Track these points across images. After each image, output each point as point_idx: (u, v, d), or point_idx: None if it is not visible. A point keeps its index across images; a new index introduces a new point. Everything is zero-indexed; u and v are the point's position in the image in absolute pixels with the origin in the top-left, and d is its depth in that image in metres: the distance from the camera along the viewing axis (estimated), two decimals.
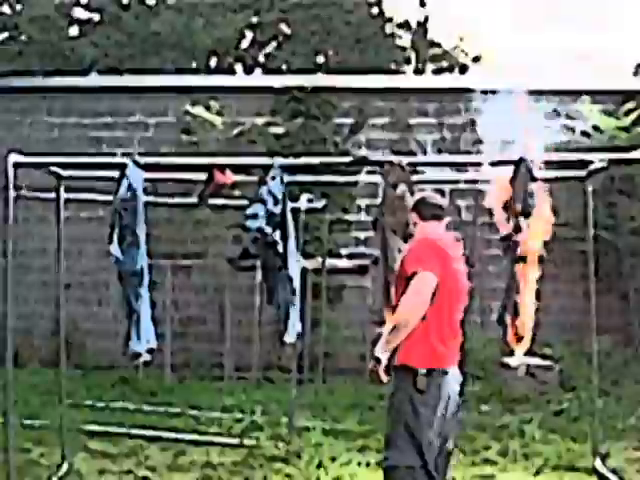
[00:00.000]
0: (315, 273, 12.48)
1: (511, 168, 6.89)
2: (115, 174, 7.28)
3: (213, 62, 22.09)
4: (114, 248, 7.01)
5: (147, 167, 7.43)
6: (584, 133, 13.87)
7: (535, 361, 12.04)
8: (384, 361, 5.07)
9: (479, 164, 7.70)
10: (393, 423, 5.22)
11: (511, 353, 10.05)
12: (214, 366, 13.67)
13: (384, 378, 5.13)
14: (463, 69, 24.10)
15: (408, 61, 23.61)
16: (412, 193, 6.62)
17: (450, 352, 5.36)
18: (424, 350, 5.17)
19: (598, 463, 8.06)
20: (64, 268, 8.29)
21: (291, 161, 7.49)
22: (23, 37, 21.27)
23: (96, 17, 22.18)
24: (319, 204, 11.65)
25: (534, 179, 6.82)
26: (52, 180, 8.15)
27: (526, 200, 6.78)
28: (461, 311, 5.54)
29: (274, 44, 22.57)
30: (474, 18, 27.30)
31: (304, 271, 10.13)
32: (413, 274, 5.13)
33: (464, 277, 5.52)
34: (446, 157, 13.70)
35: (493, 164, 7.20)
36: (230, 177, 7.42)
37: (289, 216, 7.10)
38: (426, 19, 23.93)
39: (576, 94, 13.92)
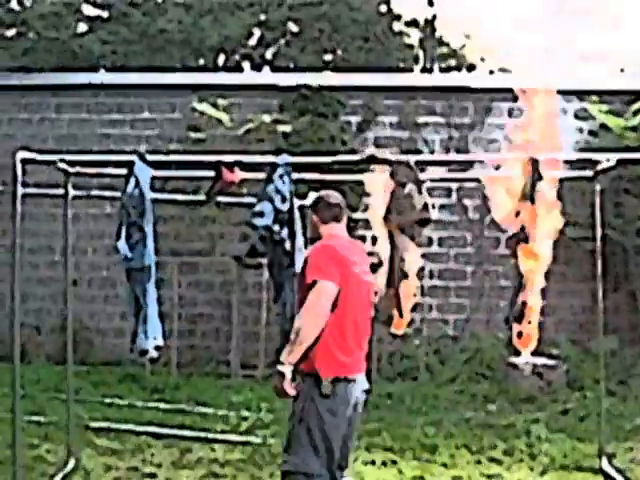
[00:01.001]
0: None
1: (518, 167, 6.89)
2: (123, 171, 7.30)
3: (221, 59, 22.09)
4: (122, 245, 7.03)
5: (155, 164, 7.44)
6: (592, 133, 13.85)
7: (542, 360, 12.04)
8: (288, 375, 5.00)
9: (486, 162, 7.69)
10: (295, 428, 5.19)
11: (518, 352, 10.09)
12: (221, 363, 13.68)
13: (290, 392, 5.05)
14: (471, 68, 24.09)
15: (416, 59, 23.59)
16: (420, 192, 6.63)
17: (355, 360, 5.29)
18: (328, 358, 5.12)
19: (604, 463, 8.05)
20: (71, 265, 8.30)
21: (299, 159, 7.49)
22: (31, 34, 21.28)
23: (104, 14, 22.19)
24: None
25: (541, 178, 6.82)
26: (60, 177, 8.16)
27: (533, 199, 6.78)
28: (368, 317, 5.44)
29: (282, 42, 22.56)
30: (482, 16, 27.24)
31: None
32: (313, 283, 5.07)
33: (368, 282, 5.44)
34: (454, 156, 13.69)
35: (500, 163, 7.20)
36: (238, 175, 7.42)
37: (296, 214, 7.10)
38: (434, 17, 23.91)
39: (584, 94, 13.90)
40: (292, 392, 5.05)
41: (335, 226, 5.53)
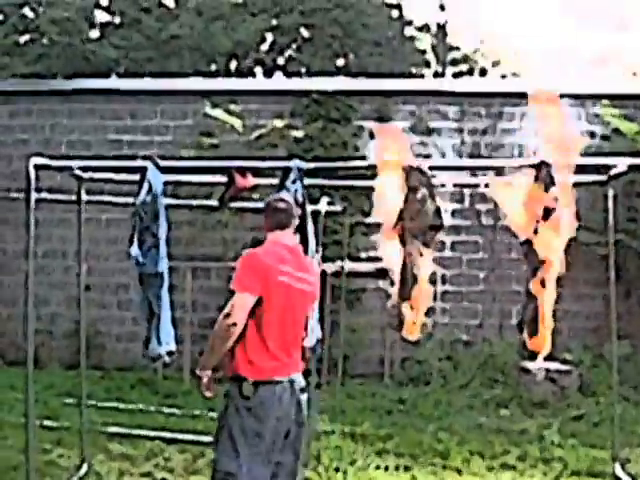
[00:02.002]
0: (334, 276, 12.47)
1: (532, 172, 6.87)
2: (136, 177, 7.31)
3: (233, 65, 22.13)
4: (134, 250, 7.04)
5: (167, 170, 7.46)
6: (605, 137, 13.82)
7: (555, 366, 12.01)
8: (205, 379, 5.36)
9: (499, 168, 7.68)
10: (220, 430, 5.31)
11: (531, 357, 10.07)
12: None
13: (208, 394, 5.42)
14: (483, 72, 24.07)
15: (428, 64, 23.59)
16: (433, 197, 6.63)
17: (281, 364, 5.33)
18: (249, 363, 5.24)
19: (618, 469, 8.03)
20: (85, 270, 8.32)
21: (311, 164, 7.49)
22: (44, 40, 21.36)
23: (117, 20, 22.27)
24: (339, 207, 11.65)
25: (553, 183, 6.80)
26: (73, 182, 8.19)
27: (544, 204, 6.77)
28: (299, 324, 5.51)
29: (294, 47, 22.59)
30: (493, 21, 27.21)
31: (323, 274, 10.13)
32: (233, 292, 5.24)
33: (301, 290, 5.46)
34: (466, 161, 13.68)
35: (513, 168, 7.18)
36: (251, 180, 7.43)
37: (309, 219, 7.10)
38: (446, 22, 23.91)
39: (597, 98, 13.87)
40: (210, 394, 5.42)
41: (279, 233, 5.58)
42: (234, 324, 5.14)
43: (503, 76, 22.97)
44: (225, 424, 5.28)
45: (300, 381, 5.48)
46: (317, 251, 7.33)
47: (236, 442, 5.19)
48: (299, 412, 5.43)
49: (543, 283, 6.68)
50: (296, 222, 5.76)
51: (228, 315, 5.16)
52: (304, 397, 5.49)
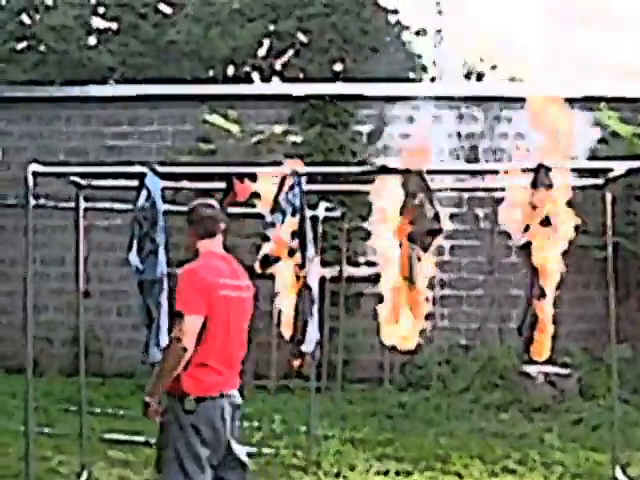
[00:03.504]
0: (333, 281, 12.48)
1: (529, 175, 6.87)
2: (134, 183, 7.31)
3: (231, 71, 22.14)
4: (133, 257, 7.03)
5: (166, 176, 7.46)
6: (602, 140, 13.82)
7: (554, 369, 12.01)
8: (153, 404, 5.11)
9: (497, 172, 7.67)
10: (163, 446, 5.19)
11: (530, 361, 10.06)
12: None
13: (158, 419, 5.17)
14: (480, 77, 24.10)
15: (425, 69, 23.62)
16: (431, 202, 6.62)
17: (225, 379, 5.27)
18: (193, 379, 5.11)
19: (618, 472, 8.02)
20: (83, 276, 8.32)
21: (309, 169, 7.49)
22: (42, 47, 21.39)
23: (114, 26, 22.28)
24: (337, 212, 11.66)
25: (551, 186, 6.80)
26: (71, 189, 8.19)
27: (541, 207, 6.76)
28: (241, 335, 5.40)
29: (291, 52, 22.61)
30: (491, 26, 27.27)
31: (322, 279, 10.13)
32: (179, 313, 5.08)
33: (241, 298, 5.37)
34: (464, 165, 13.68)
35: (511, 171, 7.18)
36: (250, 188, 7.42)
37: (308, 224, 7.10)
38: (443, 27, 23.95)
39: (594, 101, 13.87)
40: (158, 418, 5.17)
41: (209, 242, 5.48)
42: (184, 349, 5.00)
43: (500, 80, 22.99)
44: (169, 444, 5.12)
45: (238, 397, 5.40)
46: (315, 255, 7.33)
47: (183, 461, 5.07)
48: (234, 425, 5.35)
49: (542, 288, 6.68)
50: (223, 227, 5.63)
51: (179, 339, 5.01)
52: (236, 413, 5.39)
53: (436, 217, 6.70)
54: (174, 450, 5.09)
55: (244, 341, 5.44)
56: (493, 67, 24.32)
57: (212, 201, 5.77)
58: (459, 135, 14.33)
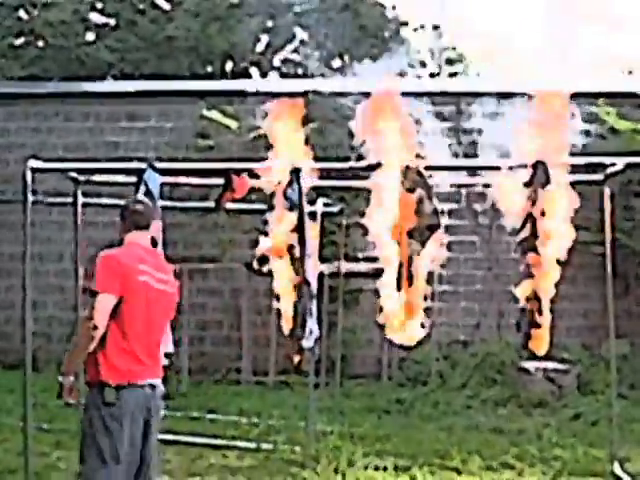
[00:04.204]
0: (332, 277, 12.48)
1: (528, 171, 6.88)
2: (132, 179, 7.31)
3: (229, 66, 22.12)
4: None
5: (164, 172, 7.46)
6: (601, 136, 13.81)
7: (553, 365, 12.01)
8: (66, 384, 5.15)
9: (496, 168, 7.67)
10: (84, 437, 5.20)
11: (529, 357, 10.07)
12: (231, 370, 13.68)
13: (69, 399, 5.20)
14: (479, 72, 24.07)
15: (424, 64, 23.60)
16: (430, 197, 6.62)
17: (145, 367, 5.25)
18: (112, 367, 5.12)
19: (616, 468, 8.03)
20: (82, 272, 8.32)
21: (308, 165, 7.48)
22: (40, 42, 21.35)
23: (112, 22, 22.25)
24: (336, 208, 11.65)
25: (549, 182, 6.81)
26: (70, 185, 8.18)
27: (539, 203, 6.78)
28: (162, 325, 5.44)
29: (290, 48, 22.58)
30: (490, 21, 27.26)
31: (321, 275, 10.13)
32: (93, 293, 5.11)
33: (162, 291, 5.36)
34: (462, 161, 13.67)
35: (510, 167, 7.18)
36: (248, 183, 7.42)
37: (306, 220, 7.10)
38: (441, 22, 23.92)
39: (593, 96, 13.86)
40: (71, 400, 5.21)
41: (136, 234, 5.47)
42: (95, 327, 5.01)
43: (498, 75, 22.96)
44: (89, 432, 5.14)
45: (160, 387, 5.41)
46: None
47: (102, 450, 5.07)
48: (156, 418, 5.35)
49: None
50: (155, 224, 5.66)
51: (90, 318, 5.05)
52: (160, 404, 5.41)
53: (434, 213, 6.71)
54: (93, 439, 5.11)
55: (163, 334, 5.48)
56: (491, 63, 24.29)
57: (145, 199, 5.87)
58: (457, 131, 14.32)
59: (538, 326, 6.80)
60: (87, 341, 5.04)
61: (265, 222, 7.12)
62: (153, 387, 5.30)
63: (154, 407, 5.30)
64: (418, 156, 6.99)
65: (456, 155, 14.15)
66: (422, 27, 23.94)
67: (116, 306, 5.11)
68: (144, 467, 5.29)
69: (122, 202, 5.68)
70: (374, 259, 14.06)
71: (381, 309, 7.01)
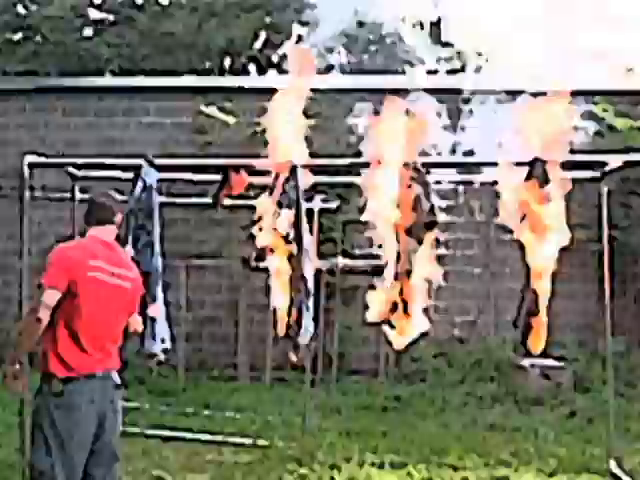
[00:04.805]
0: (329, 274, 12.49)
1: (525, 169, 6.89)
2: (130, 175, 7.31)
3: (227, 62, 22.10)
4: (128, 249, 7.04)
5: (161, 168, 7.46)
6: (598, 134, 13.81)
7: (549, 362, 12.02)
8: (8, 373, 5.22)
9: (494, 164, 7.68)
10: (33, 427, 5.28)
11: (526, 354, 10.08)
12: (228, 366, 13.69)
13: (15, 387, 5.29)
14: (477, 70, 24.06)
15: (421, 61, 23.58)
16: (427, 194, 6.62)
17: (95, 360, 5.29)
18: (60, 359, 5.20)
19: (613, 465, 8.04)
20: None
21: (305, 161, 7.48)
22: (38, 38, 21.33)
23: (110, 17, 22.22)
24: (333, 205, 11.65)
25: (547, 180, 6.81)
26: (67, 180, 8.18)
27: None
28: (115, 319, 5.44)
29: (288, 44, 22.54)
30: (487, 18, 27.22)
31: (318, 272, 10.13)
32: (41, 286, 5.22)
33: (117, 285, 5.40)
34: (460, 158, 13.67)
35: (508, 165, 7.19)
36: (245, 180, 7.42)
37: (303, 217, 7.10)
38: (439, 19, 23.90)
39: (590, 94, 13.86)
40: (15, 389, 5.31)
41: (98, 228, 5.51)
42: (38, 319, 5.09)
43: (496, 73, 22.94)
44: (37, 422, 5.23)
45: (114, 378, 5.43)
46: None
47: (48, 439, 5.15)
48: (112, 408, 5.37)
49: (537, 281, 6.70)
50: (118, 218, 5.65)
51: (34, 310, 5.14)
52: (118, 393, 5.45)
53: (432, 210, 6.71)
54: (40, 430, 5.19)
55: (119, 328, 5.49)
56: (490, 60, 24.27)
57: (110, 192, 5.84)
58: (455, 128, 14.30)
59: (535, 323, 6.81)
60: (30, 333, 5.14)
61: (259, 219, 7.11)
62: (105, 379, 5.33)
63: (106, 399, 5.32)
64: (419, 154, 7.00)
65: (454, 152, 14.16)
66: (420, 24, 23.92)
67: (65, 301, 5.18)
68: (103, 459, 5.35)
69: (120, 198, 5.70)
70: (372, 256, 14.10)
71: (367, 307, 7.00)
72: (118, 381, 5.46)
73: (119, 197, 6.07)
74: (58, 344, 5.20)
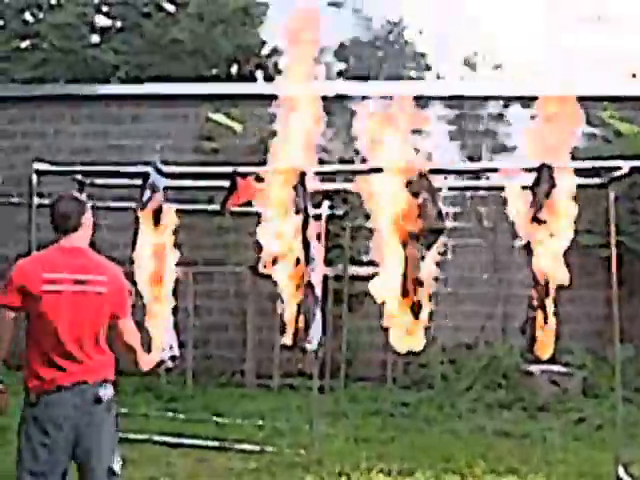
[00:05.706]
0: (336, 280, 12.48)
1: (533, 175, 6.89)
2: (138, 182, 7.33)
3: (234, 69, 22.15)
4: (137, 255, 7.06)
5: (169, 175, 7.47)
6: (605, 139, 13.80)
7: (557, 368, 12.00)
8: None
9: (500, 170, 7.69)
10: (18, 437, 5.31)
11: (533, 360, 10.06)
12: (235, 373, 13.68)
13: None
14: (484, 75, 24.10)
15: (428, 67, 23.62)
16: (434, 201, 6.63)
17: (63, 373, 5.24)
18: (32, 373, 5.26)
19: (621, 471, 8.02)
20: None
21: (313, 168, 7.49)
22: (45, 45, 21.40)
23: (117, 24, 22.30)
24: (340, 211, 11.65)
25: (554, 185, 6.81)
26: (75, 187, 8.19)
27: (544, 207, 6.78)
28: (84, 330, 5.30)
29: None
30: (494, 24, 27.27)
31: (325, 278, 10.13)
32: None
33: (83, 295, 5.27)
34: (467, 164, 13.67)
35: (515, 170, 7.19)
36: (253, 186, 7.44)
37: (311, 223, 7.11)
38: (445, 26, 23.95)
39: (597, 100, 13.85)
40: None
41: (63, 237, 5.38)
42: None
43: (503, 79, 22.98)
44: (19, 429, 5.28)
45: (91, 390, 5.33)
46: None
47: (21, 451, 5.19)
48: (89, 421, 5.28)
49: (545, 287, 6.70)
50: (86, 221, 5.48)
51: None
52: (99, 407, 5.36)
53: (439, 216, 6.72)
54: (17, 435, 5.25)
55: (93, 336, 5.36)
56: (497, 66, 24.31)
57: (73, 192, 5.86)
58: (462, 133, 14.31)
59: (542, 330, 6.80)
60: None
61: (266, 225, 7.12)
62: (80, 392, 5.27)
63: (81, 411, 5.25)
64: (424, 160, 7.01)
65: (465, 159, 14.16)
66: (426, 30, 23.98)
67: (30, 316, 5.25)
68: (96, 477, 5.30)
69: (128, 205, 5.71)
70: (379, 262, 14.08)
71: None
72: (104, 394, 5.41)
73: (83, 196, 5.98)
74: (30, 359, 5.26)
